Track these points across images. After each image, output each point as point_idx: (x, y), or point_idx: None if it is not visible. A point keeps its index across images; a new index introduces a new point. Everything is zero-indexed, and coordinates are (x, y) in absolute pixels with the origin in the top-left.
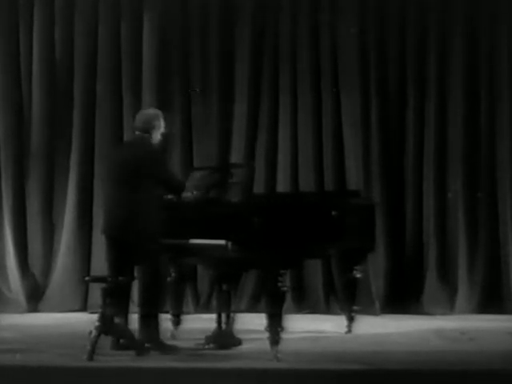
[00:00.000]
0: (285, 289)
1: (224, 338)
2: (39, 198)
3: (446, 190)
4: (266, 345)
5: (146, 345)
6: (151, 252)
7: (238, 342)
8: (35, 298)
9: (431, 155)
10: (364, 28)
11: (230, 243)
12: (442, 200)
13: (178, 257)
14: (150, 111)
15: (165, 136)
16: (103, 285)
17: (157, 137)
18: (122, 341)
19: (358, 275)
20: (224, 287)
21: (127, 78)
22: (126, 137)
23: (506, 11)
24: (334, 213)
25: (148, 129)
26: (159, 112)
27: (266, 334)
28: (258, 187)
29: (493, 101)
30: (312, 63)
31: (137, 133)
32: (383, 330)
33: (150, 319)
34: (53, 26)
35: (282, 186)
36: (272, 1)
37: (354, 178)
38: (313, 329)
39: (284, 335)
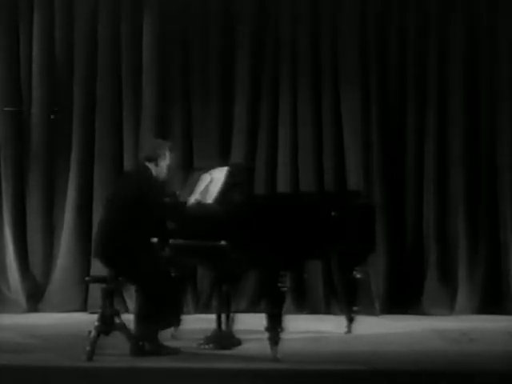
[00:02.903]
0: (285, 289)
1: (224, 339)
2: (39, 197)
3: (446, 190)
4: (265, 345)
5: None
6: (140, 269)
7: (238, 343)
8: (35, 298)
9: (432, 155)
10: (364, 27)
11: (230, 244)
12: (442, 200)
13: (178, 257)
14: (156, 140)
15: (169, 169)
16: (103, 285)
17: (163, 167)
18: (147, 347)
19: (358, 276)
20: (224, 287)
21: (127, 78)
22: (127, 137)
23: (506, 11)
24: (334, 213)
25: (152, 157)
26: (166, 142)
27: (266, 335)
28: (258, 187)
29: (493, 101)
30: (312, 62)
31: (142, 163)
32: (383, 330)
33: (150, 319)
34: (53, 26)
35: (282, 186)
36: (272, 0)
37: (354, 179)
38: (313, 329)
39: (284, 335)
